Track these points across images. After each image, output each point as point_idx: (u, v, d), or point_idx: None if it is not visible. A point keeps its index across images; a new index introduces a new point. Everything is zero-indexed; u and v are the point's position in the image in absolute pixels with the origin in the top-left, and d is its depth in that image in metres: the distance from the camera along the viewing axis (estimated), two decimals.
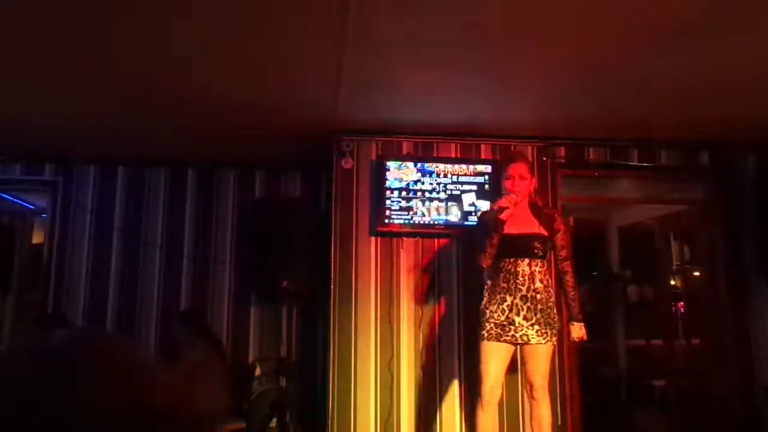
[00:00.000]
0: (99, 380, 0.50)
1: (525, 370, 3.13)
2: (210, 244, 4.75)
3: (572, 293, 3.23)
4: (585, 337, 3.22)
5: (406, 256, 4.02)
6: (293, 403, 4.25)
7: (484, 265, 3.11)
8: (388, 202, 3.96)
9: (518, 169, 3.16)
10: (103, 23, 2.67)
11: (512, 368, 3.31)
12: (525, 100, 3.68)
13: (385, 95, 3.56)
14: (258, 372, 4.43)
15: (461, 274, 4.00)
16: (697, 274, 5.15)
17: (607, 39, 2.80)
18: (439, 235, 4.05)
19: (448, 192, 4.01)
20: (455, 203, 4.01)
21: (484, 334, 3.06)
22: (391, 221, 3.95)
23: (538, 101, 3.70)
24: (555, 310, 3.16)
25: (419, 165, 4.02)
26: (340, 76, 3.18)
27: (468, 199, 4.01)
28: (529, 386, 3.09)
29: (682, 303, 5.69)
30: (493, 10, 2.54)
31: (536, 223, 3.18)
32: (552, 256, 3.35)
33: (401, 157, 4.08)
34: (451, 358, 3.94)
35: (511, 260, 3.08)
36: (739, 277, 4.27)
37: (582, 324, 3.21)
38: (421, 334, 3.95)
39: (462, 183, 4.03)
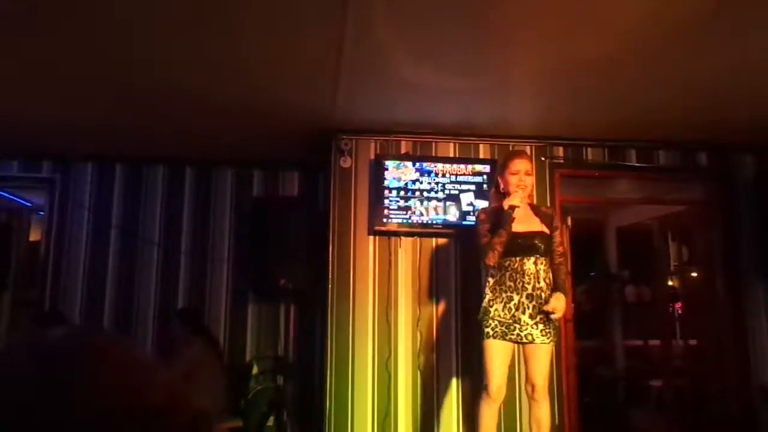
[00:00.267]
0: (95, 378, 0.50)
1: (527, 371, 3.09)
2: (207, 242, 4.74)
3: (563, 278, 3.19)
4: (556, 310, 3.00)
5: (405, 256, 4.02)
6: (290, 401, 4.25)
7: (491, 264, 3.06)
8: (386, 201, 3.95)
9: (524, 164, 3.15)
10: (103, 23, 2.66)
11: (510, 368, 3.30)
12: (523, 100, 3.69)
13: (383, 95, 3.55)
14: (255, 370, 4.43)
15: (459, 273, 4.00)
16: (694, 274, 5.15)
17: (605, 40, 2.80)
18: (437, 235, 4.05)
19: (447, 192, 4.01)
20: (453, 203, 4.00)
21: (489, 332, 3.02)
22: (390, 220, 3.95)
23: (537, 101, 3.70)
24: None
25: (418, 164, 4.02)
26: (339, 75, 3.18)
27: (466, 198, 4.00)
28: (531, 387, 3.06)
29: (680, 303, 5.70)
30: (491, 11, 2.54)
31: (538, 221, 3.17)
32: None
33: (400, 157, 4.07)
34: (448, 357, 3.94)
35: (518, 259, 3.05)
36: (736, 277, 4.27)
37: (561, 295, 3.08)
38: (418, 333, 3.94)
39: (460, 183, 4.03)
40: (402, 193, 3.98)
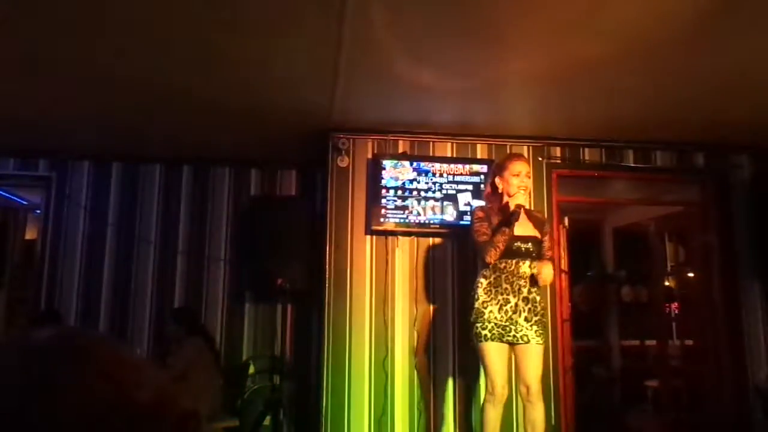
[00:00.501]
0: (81, 378, 0.49)
1: (521, 372, 3.11)
2: (204, 241, 4.73)
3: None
4: (541, 272, 3.02)
5: (402, 255, 4.02)
6: (287, 401, 4.25)
7: (491, 261, 3.07)
8: (383, 200, 3.95)
9: (525, 166, 3.19)
10: (101, 22, 2.65)
11: (508, 368, 3.30)
12: (521, 100, 3.69)
13: (381, 94, 3.55)
14: (252, 370, 4.42)
15: (456, 273, 4.01)
16: (691, 274, 5.17)
17: (603, 41, 2.80)
18: (434, 235, 4.05)
19: (444, 191, 4.01)
20: (451, 203, 4.01)
21: (486, 335, 3.04)
22: (387, 220, 3.95)
23: (535, 102, 3.71)
24: (546, 311, 3.20)
25: (415, 164, 4.02)
26: (337, 74, 3.17)
27: (463, 198, 4.01)
28: (525, 389, 3.07)
29: (676, 304, 5.71)
30: (489, 11, 2.54)
31: (531, 224, 3.22)
32: None
33: (397, 156, 4.07)
34: (445, 357, 3.94)
35: (514, 261, 3.09)
36: (732, 278, 4.28)
37: (549, 263, 3.09)
38: (415, 333, 3.95)
39: (458, 182, 4.03)
40: (399, 192, 3.98)
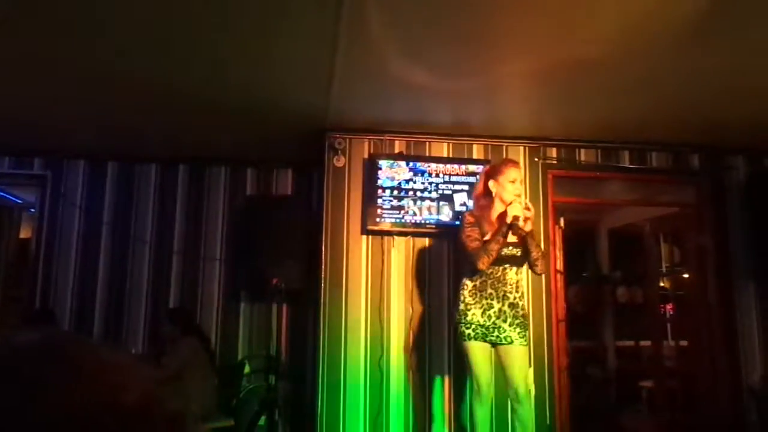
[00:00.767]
0: (66, 381, 0.49)
1: (507, 375, 3.12)
2: (200, 241, 4.72)
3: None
4: (518, 214, 3.01)
5: (397, 255, 4.02)
6: (282, 401, 4.24)
7: (483, 268, 3.06)
8: (379, 200, 3.95)
9: (519, 173, 3.23)
10: (97, 21, 2.65)
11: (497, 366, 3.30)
12: (517, 101, 3.70)
13: (377, 94, 3.55)
14: (247, 370, 4.41)
15: (452, 273, 4.01)
16: (686, 275, 5.18)
17: (598, 42, 2.81)
18: (430, 235, 4.05)
19: (440, 191, 4.01)
20: (447, 203, 4.01)
21: (470, 334, 3.09)
22: (383, 220, 3.95)
23: (531, 103, 3.72)
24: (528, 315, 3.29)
25: (411, 164, 4.02)
26: (333, 74, 3.17)
27: (459, 198, 4.01)
28: (514, 392, 3.10)
29: (671, 304, 5.73)
30: (485, 12, 2.54)
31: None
32: None
33: (393, 156, 4.07)
34: (440, 356, 3.94)
35: (501, 268, 3.12)
36: (727, 279, 4.30)
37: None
38: (411, 332, 3.95)
39: (454, 183, 4.03)
40: (395, 192, 3.98)
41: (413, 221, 3.97)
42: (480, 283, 3.12)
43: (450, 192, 4.02)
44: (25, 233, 5.54)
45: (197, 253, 4.69)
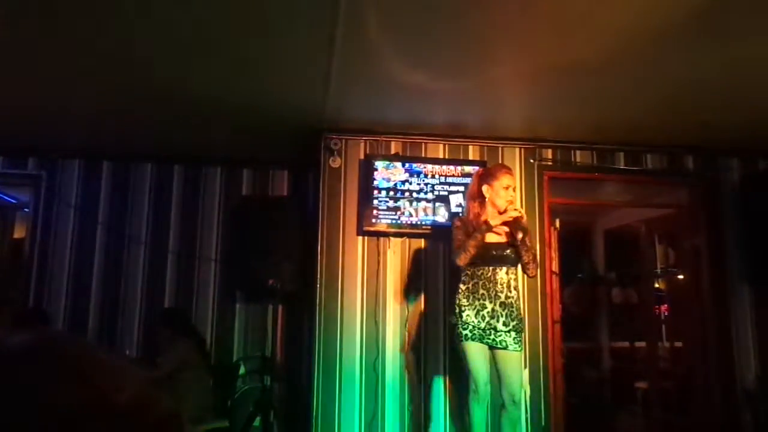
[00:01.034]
0: (57, 380, 0.49)
1: (503, 381, 3.15)
2: (195, 241, 4.71)
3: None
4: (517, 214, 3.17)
5: (393, 256, 4.02)
6: (277, 402, 4.23)
7: (461, 264, 3.15)
8: (375, 201, 3.95)
9: (513, 180, 3.29)
10: (93, 20, 2.64)
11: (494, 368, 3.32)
12: (513, 102, 3.70)
13: (373, 95, 3.55)
14: (242, 371, 4.41)
15: (447, 274, 4.01)
16: (680, 276, 5.20)
17: (593, 44, 2.82)
18: (426, 236, 4.05)
19: (436, 192, 4.01)
20: (443, 204, 4.01)
21: (467, 334, 3.12)
22: (379, 221, 3.95)
23: (526, 104, 3.73)
24: (525, 317, 3.32)
25: (407, 165, 4.02)
26: (329, 75, 3.17)
27: (455, 200, 4.01)
28: (508, 396, 3.13)
29: (666, 305, 5.75)
30: (481, 14, 2.54)
31: (504, 232, 3.25)
32: None
33: (389, 157, 4.07)
34: (436, 358, 3.94)
35: (491, 268, 3.16)
36: (721, 280, 4.32)
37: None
38: (407, 334, 3.94)
39: (449, 184, 4.03)
40: (391, 193, 3.98)
41: (409, 222, 3.97)
42: (472, 285, 3.17)
43: (446, 193, 4.02)
44: (19, 233, 5.52)
45: (192, 254, 4.67)
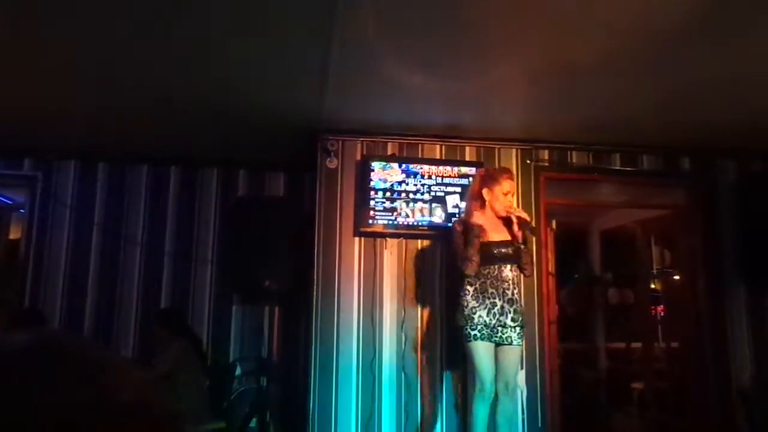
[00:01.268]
0: (58, 379, 0.49)
1: (502, 371, 3.24)
2: (192, 242, 4.70)
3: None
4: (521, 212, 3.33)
5: (390, 257, 4.02)
6: (274, 403, 4.23)
7: (470, 273, 3.23)
8: (372, 202, 3.95)
9: (513, 185, 3.39)
10: (90, 20, 2.63)
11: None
12: (509, 103, 3.71)
13: (370, 96, 3.55)
14: (238, 372, 4.40)
15: (444, 275, 4.01)
16: (676, 277, 5.21)
17: (591, 45, 2.82)
18: (422, 237, 4.05)
19: (433, 193, 4.01)
20: (439, 205, 4.01)
21: (476, 335, 3.19)
22: (375, 222, 3.95)
23: (523, 105, 3.73)
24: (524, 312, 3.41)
25: (404, 166, 4.02)
26: (326, 76, 3.17)
27: (452, 200, 4.01)
28: (504, 385, 3.23)
29: (662, 306, 5.76)
30: (478, 15, 2.55)
31: (506, 230, 3.35)
32: None
33: (386, 158, 4.07)
34: (433, 359, 3.94)
35: (496, 267, 3.26)
36: (717, 281, 4.33)
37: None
38: (403, 335, 3.94)
39: (446, 184, 4.03)
40: (388, 194, 3.97)
41: (406, 223, 3.97)
42: (480, 285, 3.24)
43: (442, 194, 4.02)
44: (14, 234, 5.50)
45: (189, 255, 4.67)
